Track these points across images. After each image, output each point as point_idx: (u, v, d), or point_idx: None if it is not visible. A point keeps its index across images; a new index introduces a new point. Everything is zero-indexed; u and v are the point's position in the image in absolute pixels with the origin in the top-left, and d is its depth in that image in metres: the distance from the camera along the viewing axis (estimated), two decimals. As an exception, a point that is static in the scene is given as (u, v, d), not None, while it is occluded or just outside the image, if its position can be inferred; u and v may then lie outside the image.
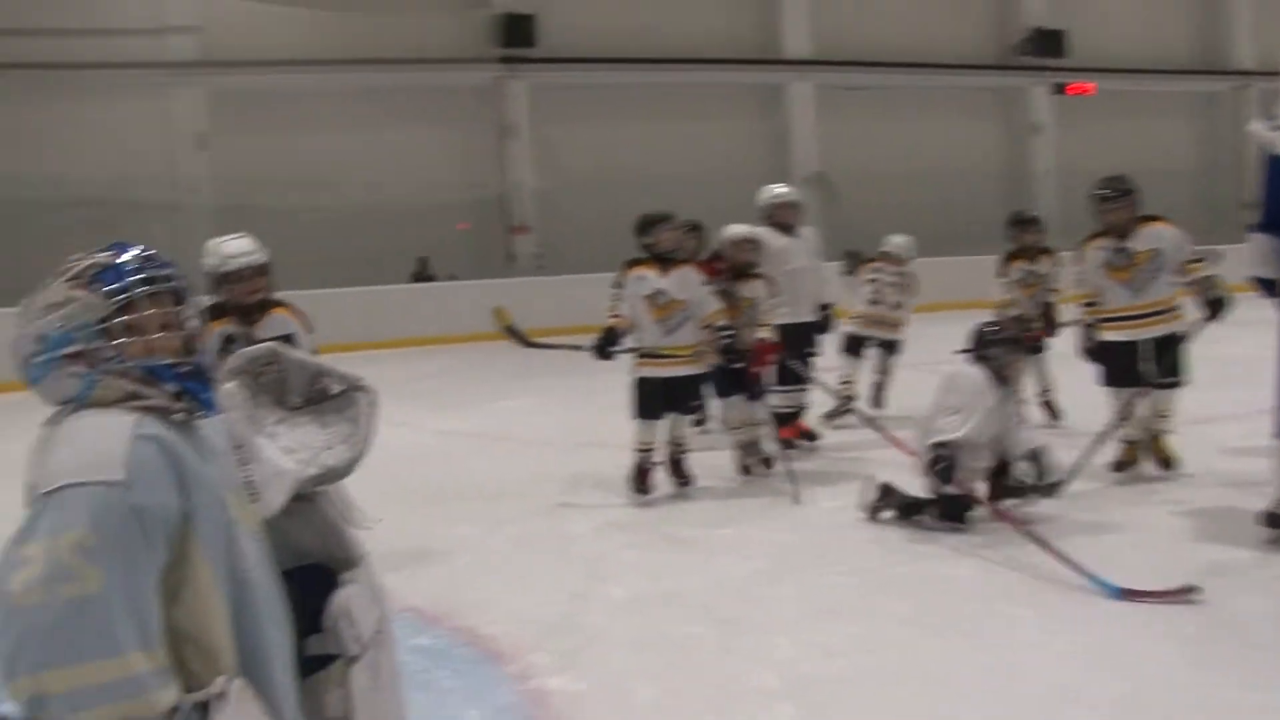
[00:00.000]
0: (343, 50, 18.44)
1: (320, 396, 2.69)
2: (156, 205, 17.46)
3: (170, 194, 17.74)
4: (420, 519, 5.85)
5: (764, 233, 6.84)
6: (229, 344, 4.47)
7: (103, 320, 1.90)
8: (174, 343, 1.97)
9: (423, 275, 18.22)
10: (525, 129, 19.87)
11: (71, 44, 17.53)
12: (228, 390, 2.57)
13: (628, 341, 6.03)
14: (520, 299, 15.85)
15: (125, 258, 1.97)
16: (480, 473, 7.12)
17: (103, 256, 1.98)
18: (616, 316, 5.99)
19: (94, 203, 16.86)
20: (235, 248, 4.60)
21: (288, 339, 4.62)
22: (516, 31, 19.38)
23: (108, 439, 1.82)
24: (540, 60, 19.57)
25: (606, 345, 5.95)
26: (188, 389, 1.96)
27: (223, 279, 4.57)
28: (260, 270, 4.63)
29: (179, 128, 18.38)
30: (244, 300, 4.61)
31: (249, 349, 2.67)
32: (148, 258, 1.99)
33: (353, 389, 2.62)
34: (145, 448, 1.82)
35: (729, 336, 5.98)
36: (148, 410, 1.91)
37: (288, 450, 2.56)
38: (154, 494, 1.78)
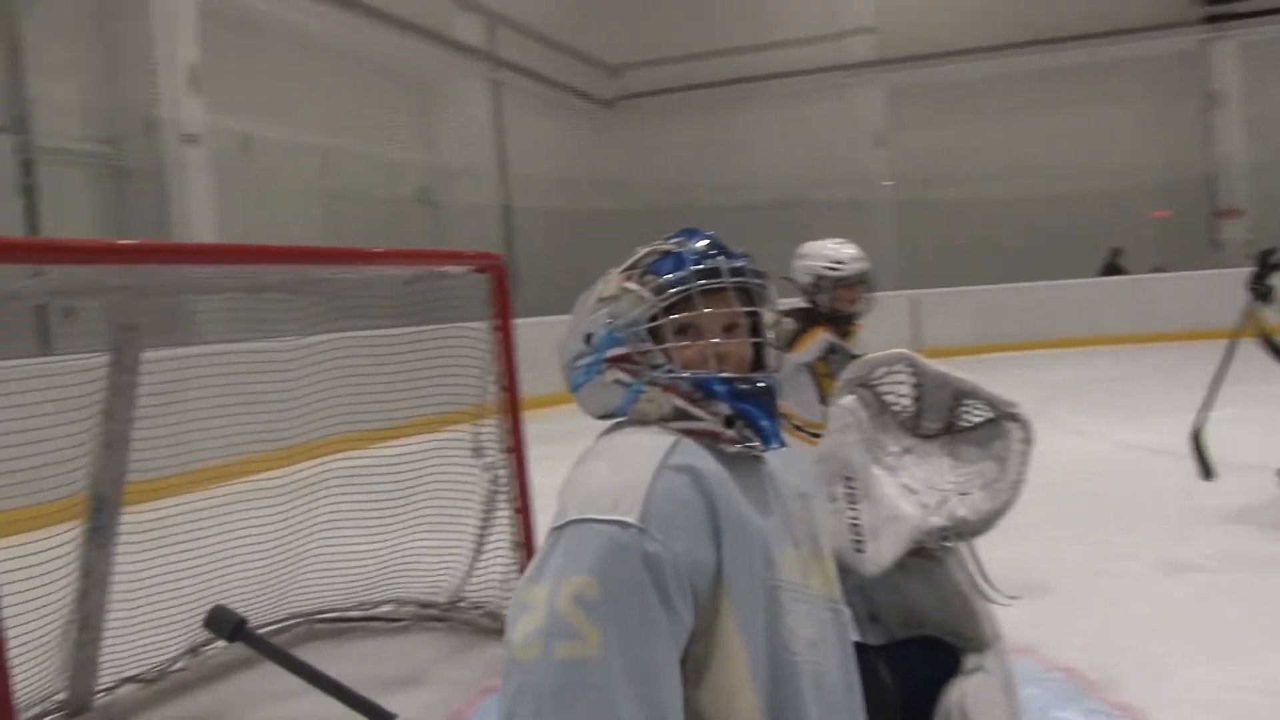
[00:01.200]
0: (1021, 32, 17.70)
1: (960, 424, 2.14)
2: (838, 204, 18.05)
3: (851, 192, 18.24)
4: (1086, 548, 5.03)
5: None
6: (831, 354, 4.17)
7: (653, 319, 1.54)
8: (738, 352, 1.56)
9: (1113, 268, 16.77)
10: (1235, 96, 17.58)
11: (756, 59, 18.77)
12: (843, 406, 2.09)
13: None
14: (1231, 295, 13.92)
15: (690, 246, 1.60)
16: (1166, 498, 5.99)
17: (665, 244, 1.62)
18: None
19: (781, 205, 17.87)
20: (848, 252, 4.23)
21: None
22: (1223, -15, 17.17)
23: (632, 467, 1.44)
24: (1255, 14, 17.12)
25: None
26: (743, 412, 1.52)
27: (831, 283, 4.18)
28: (864, 279, 4.23)
29: (858, 127, 18.91)
30: (845, 309, 4.23)
31: (875, 355, 2.17)
32: (716, 246, 1.60)
33: (1004, 417, 2.04)
34: (673, 482, 1.42)
35: None
36: (693, 434, 1.51)
37: (910, 490, 2.01)
38: (677, 541, 1.38)
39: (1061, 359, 13.31)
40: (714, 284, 1.56)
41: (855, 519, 1.99)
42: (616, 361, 1.58)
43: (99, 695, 3.59)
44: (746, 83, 18.97)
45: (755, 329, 1.62)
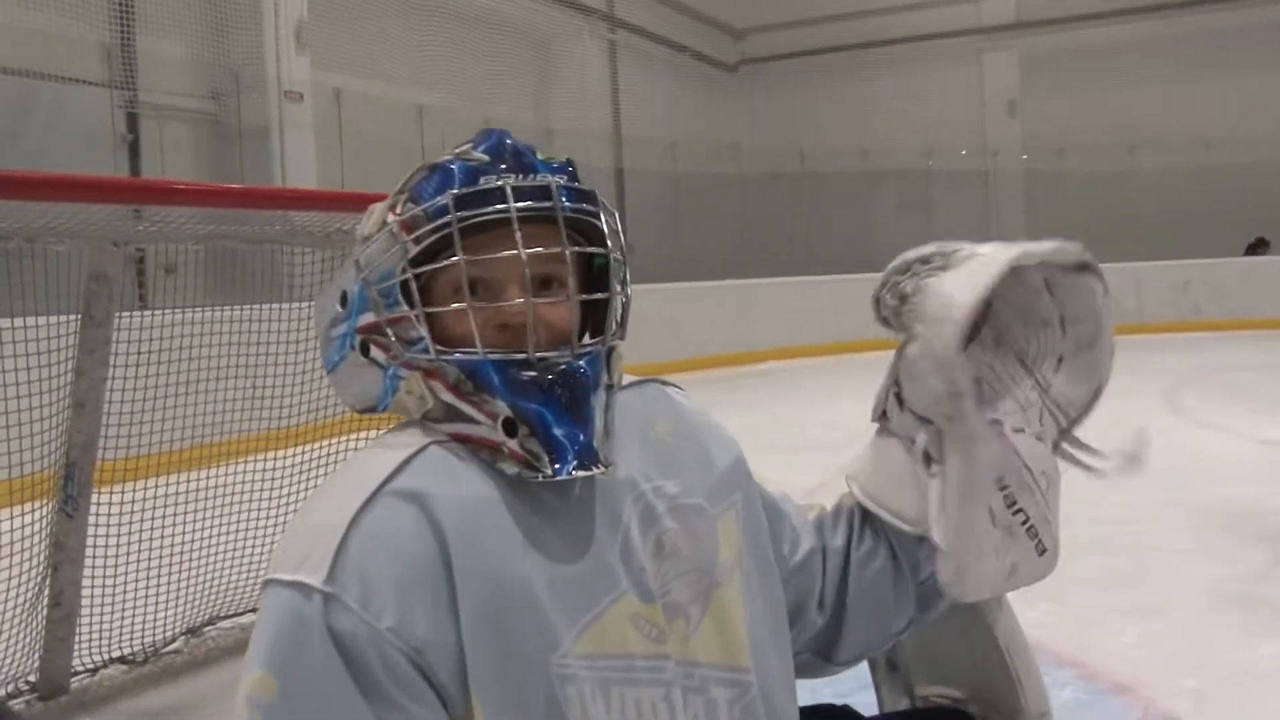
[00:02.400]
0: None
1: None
2: (964, 174, 17.30)
3: (978, 162, 17.40)
4: (1214, 568, 4.20)
5: None
6: None
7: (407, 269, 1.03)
8: (546, 319, 1.02)
9: (1259, 248, 15.58)
10: None
11: (886, 21, 18.00)
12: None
13: None
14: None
15: (469, 156, 1.05)
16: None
17: (445, 157, 1.07)
18: None
19: (906, 174, 17.17)
20: None
21: None
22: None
23: (338, 499, 0.97)
24: None
25: None
26: (522, 412, 0.98)
27: None
28: None
29: (990, 94, 18.01)
30: None
31: (1039, 246, 1.31)
32: (504, 155, 1.04)
33: (1072, 270, 1.36)
34: (388, 520, 0.95)
35: None
36: (471, 442, 1.01)
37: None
38: (385, 610, 0.92)
39: (1196, 344, 12.35)
40: (496, 215, 1.02)
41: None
42: (371, 333, 1.08)
43: (79, 676, 3.30)
44: (875, 46, 18.13)
45: (560, 284, 1.06)
